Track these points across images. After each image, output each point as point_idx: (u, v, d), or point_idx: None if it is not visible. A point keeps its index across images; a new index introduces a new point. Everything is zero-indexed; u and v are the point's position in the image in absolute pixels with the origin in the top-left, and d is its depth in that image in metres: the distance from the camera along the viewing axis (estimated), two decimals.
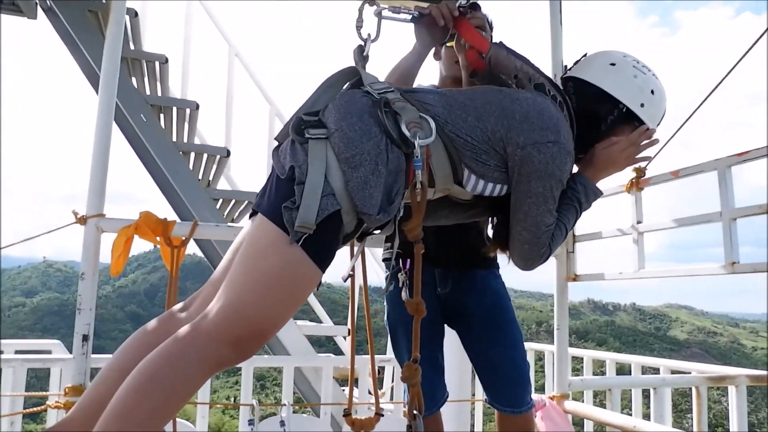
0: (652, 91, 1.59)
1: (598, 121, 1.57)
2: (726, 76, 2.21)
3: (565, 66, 1.76)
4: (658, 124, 1.65)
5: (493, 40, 1.86)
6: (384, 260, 2.05)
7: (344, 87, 1.49)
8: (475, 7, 1.85)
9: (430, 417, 1.96)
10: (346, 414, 1.56)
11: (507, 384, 1.94)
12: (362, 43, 1.56)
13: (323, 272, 1.26)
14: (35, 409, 2.48)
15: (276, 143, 1.44)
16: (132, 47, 3.69)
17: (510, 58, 1.58)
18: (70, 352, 2.10)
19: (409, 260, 1.62)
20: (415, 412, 1.21)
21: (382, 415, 1.60)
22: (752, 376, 2.62)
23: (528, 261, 1.54)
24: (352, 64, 1.56)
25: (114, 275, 1.99)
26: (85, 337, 1.96)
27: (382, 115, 1.32)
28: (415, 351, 1.23)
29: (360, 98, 1.37)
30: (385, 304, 2.10)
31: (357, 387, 3.12)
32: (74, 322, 1.97)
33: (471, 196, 1.50)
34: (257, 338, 1.20)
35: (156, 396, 1.09)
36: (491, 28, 2.01)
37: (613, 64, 1.60)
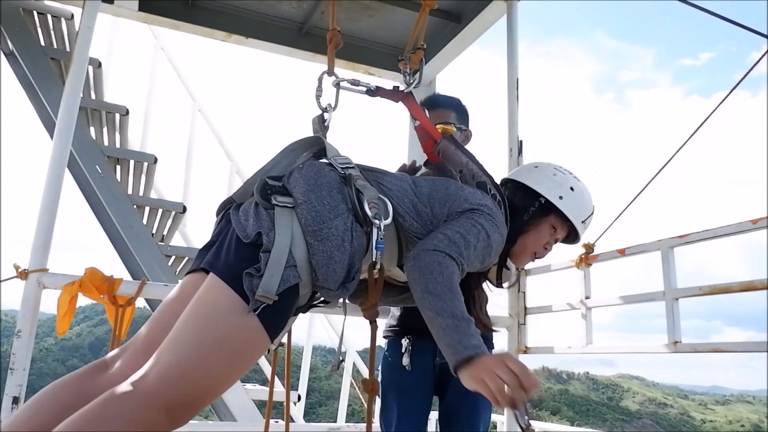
0: (572, 188, 1.71)
1: (522, 211, 1.68)
2: (669, 161, 2.33)
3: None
4: (584, 221, 1.73)
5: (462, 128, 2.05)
6: (384, 337, 2.13)
7: (304, 154, 1.52)
8: (436, 103, 2.10)
9: None
10: None
11: None
12: (322, 113, 1.60)
13: (272, 342, 1.24)
14: None
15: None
16: (93, 97, 3.68)
17: (457, 153, 1.67)
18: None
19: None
20: None
21: None
22: None
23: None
24: (312, 127, 1.59)
25: (60, 335, 1.91)
26: (15, 400, 1.85)
27: (351, 194, 1.35)
28: (369, 428, 1.21)
29: (328, 172, 1.39)
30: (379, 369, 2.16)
31: None
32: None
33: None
34: (193, 404, 1.14)
35: None
36: (467, 116, 2.16)
37: (536, 167, 1.77)
